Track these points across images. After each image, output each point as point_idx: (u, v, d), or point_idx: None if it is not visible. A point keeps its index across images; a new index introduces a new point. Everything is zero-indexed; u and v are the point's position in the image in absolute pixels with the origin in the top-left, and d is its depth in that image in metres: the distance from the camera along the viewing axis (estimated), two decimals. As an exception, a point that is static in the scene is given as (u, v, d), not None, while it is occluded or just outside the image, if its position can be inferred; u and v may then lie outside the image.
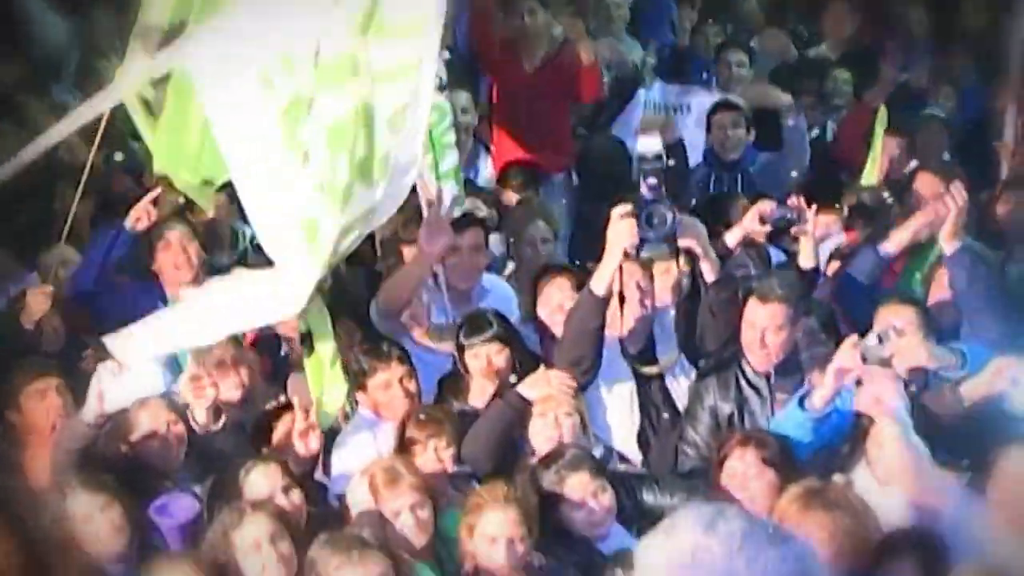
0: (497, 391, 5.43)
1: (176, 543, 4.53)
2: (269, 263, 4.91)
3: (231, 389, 5.41)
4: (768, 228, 5.95)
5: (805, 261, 6.12)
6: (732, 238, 5.93)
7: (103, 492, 4.53)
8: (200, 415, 5.05)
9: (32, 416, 5.27)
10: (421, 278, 5.84)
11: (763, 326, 5.40)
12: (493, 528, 4.56)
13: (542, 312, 5.93)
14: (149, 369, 4.69)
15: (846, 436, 5.15)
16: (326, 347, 5.42)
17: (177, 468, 4.99)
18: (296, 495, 4.76)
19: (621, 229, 5.11)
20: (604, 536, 4.84)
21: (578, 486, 4.82)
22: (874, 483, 4.93)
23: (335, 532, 4.36)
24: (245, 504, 4.46)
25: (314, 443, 5.07)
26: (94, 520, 4.50)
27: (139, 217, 6.15)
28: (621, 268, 5.20)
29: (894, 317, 5.24)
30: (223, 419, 5.13)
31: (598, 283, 5.25)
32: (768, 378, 5.47)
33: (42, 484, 4.84)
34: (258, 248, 6.14)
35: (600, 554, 4.76)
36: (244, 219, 5.89)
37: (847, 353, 4.98)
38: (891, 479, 4.66)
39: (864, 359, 4.90)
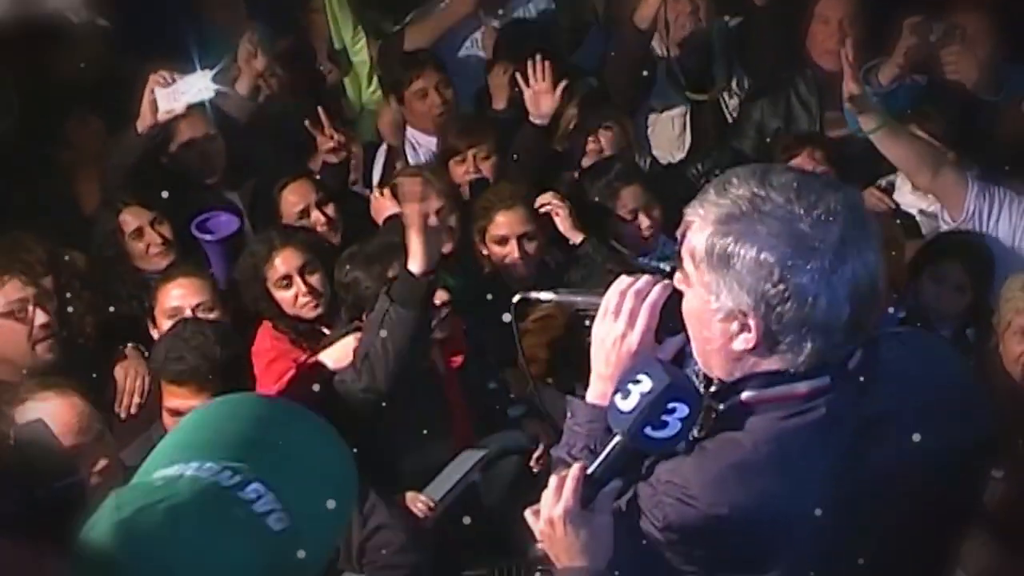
0: None
1: (217, 258, 4.57)
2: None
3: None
4: None
5: None
6: None
7: (154, 207, 4.59)
8: (244, 84, 5.10)
9: (75, 145, 5.28)
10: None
11: (839, 16, 5.34)
12: (503, 228, 4.61)
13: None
14: (199, 75, 4.63)
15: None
16: (363, 61, 5.41)
17: (217, 177, 5.00)
18: (330, 208, 4.78)
19: None
20: (649, 251, 4.84)
21: (630, 199, 4.81)
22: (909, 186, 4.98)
23: (365, 244, 4.30)
24: (275, 236, 4.44)
25: (342, 153, 5.09)
26: (145, 235, 4.58)
27: None
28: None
29: (966, 21, 5.12)
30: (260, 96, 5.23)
31: (641, 16, 5.23)
32: (820, 95, 5.40)
33: (93, 206, 4.97)
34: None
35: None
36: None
37: (910, 38, 4.91)
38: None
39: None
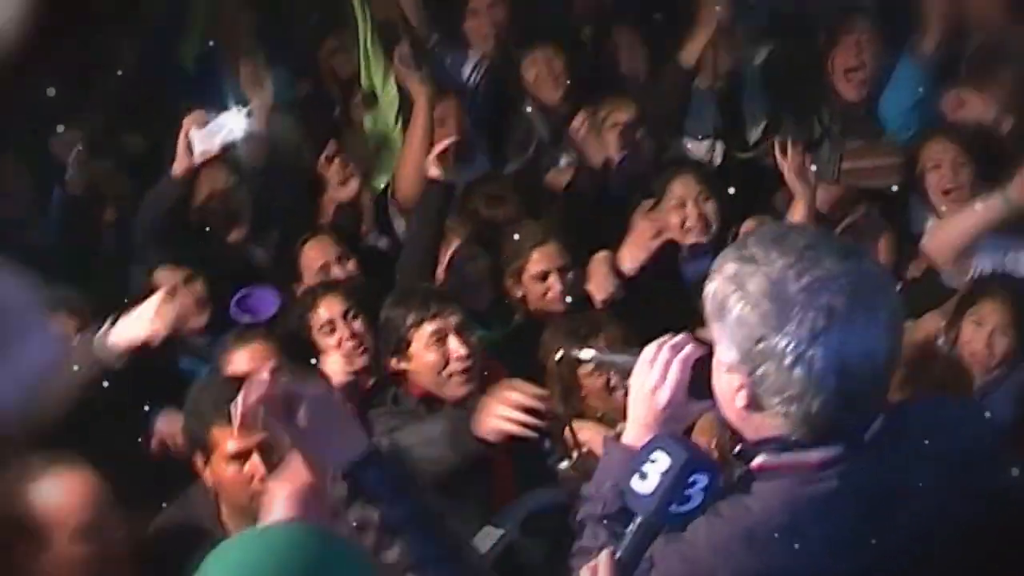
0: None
1: None
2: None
3: None
4: None
5: None
6: None
7: (186, 265, 4.57)
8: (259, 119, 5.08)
9: None
10: None
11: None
12: (542, 264, 4.62)
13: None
14: (233, 113, 4.63)
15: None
16: (392, 99, 5.46)
17: (243, 230, 4.98)
18: (351, 264, 4.82)
19: (715, 2, 5.17)
20: (698, 254, 4.82)
21: (681, 187, 4.84)
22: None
23: (405, 289, 4.30)
24: (318, 287, 4.49)
25: (352, 186, 5.16)
26: (178, 294, 4.45)
27: None
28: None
29: None
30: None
31: (688, 54, 5.30)
32: (845, 117, 5.44)
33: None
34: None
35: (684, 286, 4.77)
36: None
37: None
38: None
39: None
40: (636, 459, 2.12)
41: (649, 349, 2.34)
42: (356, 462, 2.17)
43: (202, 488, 3.49)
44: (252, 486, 3.49)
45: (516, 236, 4.70)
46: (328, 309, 4.37)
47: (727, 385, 2.14)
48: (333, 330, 4.34)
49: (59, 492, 3.11)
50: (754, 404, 2.10)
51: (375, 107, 5.58)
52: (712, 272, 2.15)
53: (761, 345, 2.04)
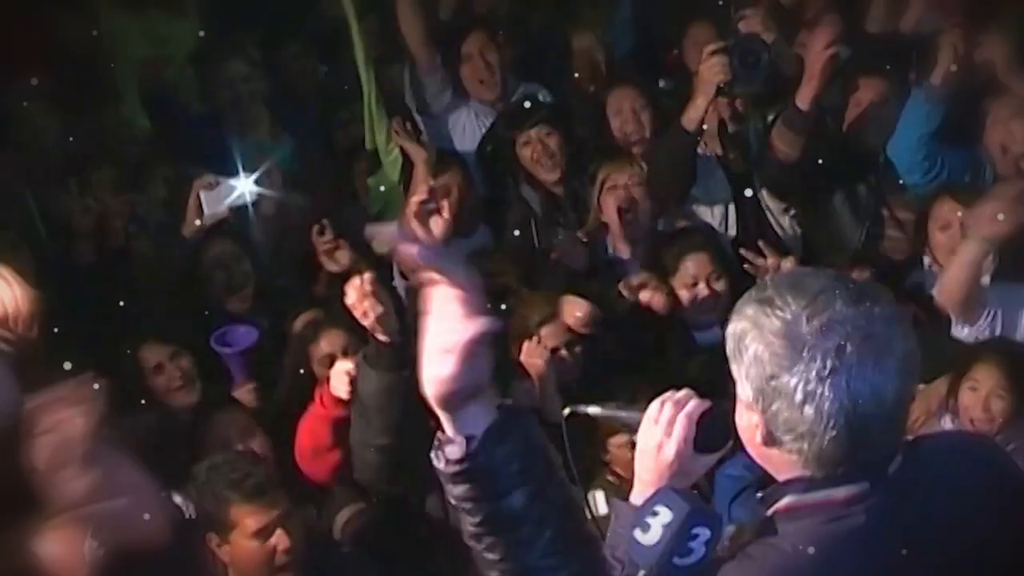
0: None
1: (238, 369, 4.55)
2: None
3: None
4: None
5: None
6: None
7: (172, 339, 4.52)
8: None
9: None
10: None
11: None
12: (550, 341, 4.55)
13: (614, 123, 5.69)
14: (242, 178, 4.72)
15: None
16: (395, 159, 5.49)
17: (245, 301, 4.96)
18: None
19: (713, 65, 5.02)
20: (707, 326, 4.78)
21: (694, 266, 4.83)
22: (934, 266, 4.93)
23: None
24: (323, 320, 4.51)
25: (341, 259, 5.04)
26: (165, 371, 4.48)
27: None
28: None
29: None
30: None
31: (689, 119, 5.20)
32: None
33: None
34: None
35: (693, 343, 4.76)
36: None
37: None
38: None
39: None
40: (639, 512, 2.17)
41: (653, 406, 2.43)
42: (489, 430, 2.00)
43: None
44: (276, 559, 3.52)
45: (521, 309, 4.66)
46: (329, 343, 4.42)
47: (747, 422, 2.19)
48: (331, 364, 4.25)
49: (62, 547, 3.04)
50: (770, 440, 2.15)
51: (379, 167, 5.59)
52: (733, 313, 2.21)
53: (774, 383, 2.10)
